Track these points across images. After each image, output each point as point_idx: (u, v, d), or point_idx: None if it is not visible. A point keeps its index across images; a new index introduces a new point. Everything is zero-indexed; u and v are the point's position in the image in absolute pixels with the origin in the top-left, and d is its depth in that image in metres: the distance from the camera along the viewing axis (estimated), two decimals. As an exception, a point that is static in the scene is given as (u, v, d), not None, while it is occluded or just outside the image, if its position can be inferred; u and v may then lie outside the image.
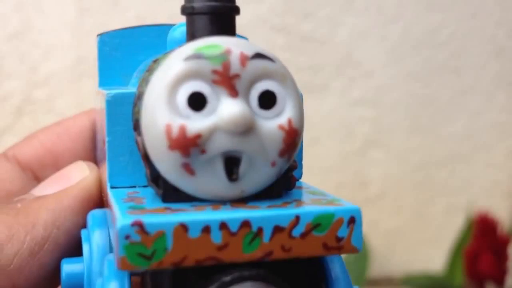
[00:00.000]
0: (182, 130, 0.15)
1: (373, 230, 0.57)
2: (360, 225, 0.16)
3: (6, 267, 0.19)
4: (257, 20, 0.54)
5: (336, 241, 0.15)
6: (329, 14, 0.56)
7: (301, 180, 0.20)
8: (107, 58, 0.22)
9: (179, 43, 0.18)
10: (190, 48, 0.15)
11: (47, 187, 0.22)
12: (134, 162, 0.18)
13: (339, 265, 0.17)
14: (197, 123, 0.15)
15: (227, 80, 0.15)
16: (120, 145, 0.18)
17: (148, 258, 0.14)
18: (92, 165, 0.23)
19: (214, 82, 0.15)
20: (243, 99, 0.15)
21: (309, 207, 0.15)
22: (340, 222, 0.15)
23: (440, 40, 0.59)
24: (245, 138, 0.15)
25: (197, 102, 0.15)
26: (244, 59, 0.15)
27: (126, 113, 0.18)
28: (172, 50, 0.17)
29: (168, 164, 0.15)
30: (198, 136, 0.15)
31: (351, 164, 0.57)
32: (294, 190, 0.18)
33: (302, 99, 0.19)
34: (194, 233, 0.14)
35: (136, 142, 0.17)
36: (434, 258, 0.57)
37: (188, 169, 0.15)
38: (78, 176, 0.22)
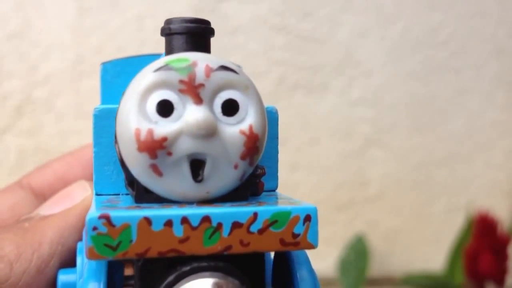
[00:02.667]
0: (150, 133, 0.16)
1: (373, 230, 0.57)
2: (316, 223, 0.17)
3: (15, 284, 0.21)
4: (257, 20, 0.54)
5: (293, 237, 0.17)
6: (329, 14, 0.56)
7: (277, 191, 0.21)
8: (109, 84, 0.24)
9: None
10: (161, 61, 0.17)
11: (52, 206, 0.24)
12: (118, 171, 0.19)
13: (306, 267, 0.18)
14: (164, 127, 0.16)
15: (192, 89, 0.17)
16: (105, 155, 0.19)
17: (114, 248, 0.16)
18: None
19: (181, 91, 0.17)
20: (206, 106, 0.17)
21: (268, 206, 0.17)
22: (296, 219, 0.17)
23: (440, 39, 0.59)
24: (209, 142, 0.16)
25: (165, 109, 0.16)
26: (208, 71, 0.17)
27: (111, 126, 0.19)
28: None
29: (138, 166, 0.17)
30: (164, 139, 0.16)
31: (351, 164, 0.57)
32: (262, 196, 0.19)
33: (277, 114, 0.21)
34: (157, 226, 0.16)
35: (116, 150, 0.18)
36: (434, 257, 0.57)
37: (156, 170, 0.16)
38: (81, 195, 0.24)
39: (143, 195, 0.17)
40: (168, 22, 0.19)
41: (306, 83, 0.55)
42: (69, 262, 0.22)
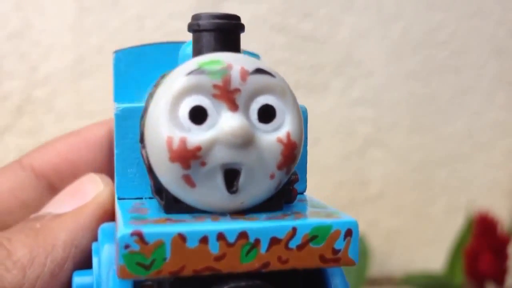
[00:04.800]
0: (183, 142, 0.15)
1: (373, 230, 0.57)
2: (357, 237, 0.16)
3: None
4: (257, 20, 0.54)
5: (333, 253, 0.16)
6: (329, 14, 0.56)
7: (305, 193, 0.20)
8: (122, 74, 0.23)
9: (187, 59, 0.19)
10: (193, 64, 0.16)
11: (64, 204, 0.22)
12: (141, 174, 0.18)
13: (340, 277, 0.17)
14: (197, 136, 0.15)
15: (227, 94, 0.15)
16: (128, 157, 0.18)
17: (147, 267, 0.14)
18: (106, 178, 0.23)
19: (215, 96, 0.15)
20: (242, 113, 0.15)
21: (306, 219, 0.16)
22: (337, 234, 0.16)
23: (440, 39, 0.59)
24: (245, 151, 0.15)
25: (198, 115, 0.15)
26: (244, 74, 0.15)
27: (134, 126, 0.18)
28: (177, 66, 0.17)
29: (169, 176, 0.15)
30: (198, 149, 0.15)
31: (351, 164, 0.57)
32: (295, 203, 0.18)
33: (306, 113, 0.19)
34: (192, 243, 0.15)
35: (141, 154, 0.17)
36: (434, 257, 0.57)
37: (189, 181, 0.15)
38: (93, 191, 0.22)
39: (173, 205, 0.16)
40: (196, 17, 0.17)
41: (306, 83, 0.55)
42: (83, 264, 0.21)
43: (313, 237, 0.15)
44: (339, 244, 0.16)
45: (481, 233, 0.49)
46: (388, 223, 0.59)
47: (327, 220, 0.16)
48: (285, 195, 0.17)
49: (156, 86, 0.17)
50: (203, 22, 0.17)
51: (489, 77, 0.61)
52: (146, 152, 0.16)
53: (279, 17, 0.54)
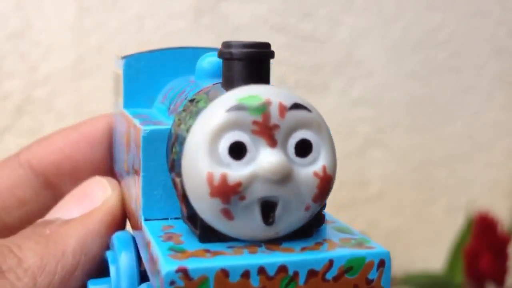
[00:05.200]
0: (224, 178, 0.15)
1: (373, 230, 0.57)
2: (389, 268, 0.16)
3: None
4: (257, 20, 0.54)
5: (367, 284, 0.16)
6: (329, 14, 0.56)
7: (325, 211, 0.21)
8: (132, 80, 0.23)
9: (207, 73, 0.20)
10: (232, 99, 0.16)
11: (72, 209, 0.22)
12: (166, 196, 0.18)
13: None
14: (237, 171, 0.15)
15: (267, 130, 0.16)
16: (154, 179, 0.18)
17: None
18: (113, 182, 0.23)
19: (254, 132, 0.16)
20: (281, 148, 0.16)
21: (341, 250, 0.16)
22: (370, 265, 0.16)
23: (440, 39, 0.59)
24: (282, 185, 0.16)
25: (237, 151, 0.15)
26: (283, 110, 0.16)
27: (160, 148, 0.18)
28: (212, 95, 0.18)
29: (207, 209, 0.16)
30: (238, 184, 0.15)
31: (351, 164, 0.57)
32: (323, 228, 0.18)
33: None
34: (234, 278, 0.15)
35: (173, 180, 0.17)
36: (434, 257, 0.57)
37: (227, 214, 0.16)
38: (101, 195, 0.22)
39: (208, 234, 0.16)
40: (228, 45, 0.18)
41: (306, 83, 0.55)
42: (93, 272, 0.21)
43: (348, 269, 0.16)
44: (373, 275, 0.16)
45: (481, 233, 0.49)
46: (388, 223, 0.59)
47: (362, 251, 0.16)
48: (316, 222, 0.18)
49: (187, 112, 0.17)
50: (235, 51, 0.17)
51: (489, 77, 0.61)
52: (181, 181, 0.16)
53: (279, 17, 0.54)
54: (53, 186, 0.25)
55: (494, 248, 0.48)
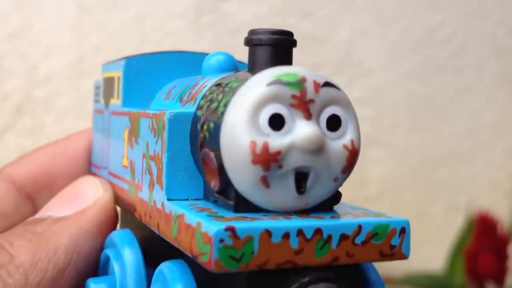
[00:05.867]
0: (265, 146, 0.16)
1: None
2: (409, 235, 0.18)
3: None
4: (257, 20, 0.54)
5: (390, 249, 0.17)
6: (329, 14, 0.56)
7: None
8: (132, 80, 0.24)
9: (214, 70, 0.22)
10: (270, 75, 0.17)
11: (63, 207, 0.22)
12: (188, 177, 0.19)
13: (373, 271, 0.19)
14: (277, 141, 0.17)
15: (304, 104, 0.17)
16: (177, 160, 0.19)
17: (238, 260, 0.16)
18: (105, 182, 0.23)
19: (292, 105, 0.17)
20: (315, 121, 0.17)
21: (367, 218, 0.18)
22: (393, 231, 0.17)
23: (440, 39, 0.59)
24: (315, 156, 0.17)
25: (276, 122, 0.17)
26: (317, 86, 0.17)
27: (184, 131, 0.19)
28: (241, 76, 0.19)
29: (247, 177, 0.17)
30: (278, 153, 0.17)
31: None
32: (338, 205, 0.20)
33: None
34: (276, 238, 0.16)
35: (204, 156, 0.18)
36: (434, 257, 0.57)
37: (265, 182, 0.17)
38: (93, 194, 0.23)
39: (242, 204, 0.17)
40: (256, 33, 0.19)
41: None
42: (85, 271, 0.21)
43: (374, 234, 0.17)
44: (395, 241, 0.17)
45: (481, 233, 0.49)
46: (388, 223, 0.59)
47: (386, 219, 0.17)
48: (334, 199, 0.19)
49: (219, 93, 0.19)
50: (264, 37, 0.19)
51: (489, 77, 0.61)
52: (217, 154, 0.17)
53: (279, 17, 0.54)
54: (32, 199, 0.26)
55: (494, 248, 0.48)
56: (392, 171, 0.59)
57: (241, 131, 0.17)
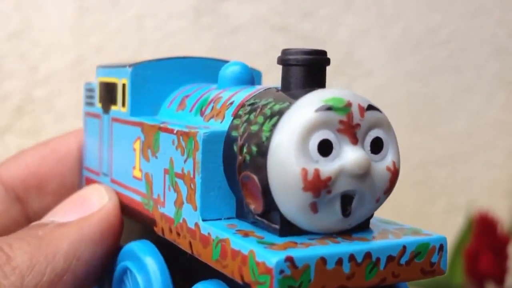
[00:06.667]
0: (317, 173, 0.17)
1: (373, 230, 0.57)
2: (446, 251, 0.18)
3: None
4: (257, 20, 0.54)
5: (430, 266, 0.18)
6: (329, 14, 0.56)
7: None
8: (139, 88, 0.24)
9: (230, 81, 0.22)
10: (318, 100, 0.17)
11: (67, 213, 0.22)
12: (221, 197, 0.19)
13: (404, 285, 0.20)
14: (327, 167, 0.17)
15: (350, 129, 0.17)
16: (211, 181, 0.19)
17: None
18: (110, 190, 0.23)
19: (339, 130, 0.17)
20: (361, 146, 0.18)
21: (409, 238, 0.18)
22: (433, 249, 0.18)
23: (440, 39, 0.59)
24: (362, 179, 0.17)
25: (325, 148, 0.17)
26: (362, 111, 0.18)
27: (218, 151, 0.19)
28: (279, 98, 0.19)
29: (295, 203, 0.17)
30: (329, 179, 0.17)
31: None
32: (372, 222, 0.20)
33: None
34: (331, 265, 0.16)
35: (241, 179, 0.18)
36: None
37: (314, 208, 0.17)
38: (98, 202, 0.22)
39: (287, 228, 0.18)
40: (289, 53, 0.19)
41: (306, 83, 0.55)
42: (83, 278, 0.21)
43: (417, 254, 0.18)
44: (435, 258, 0.18)
45: (481, 233, 0.49)
46: (388, 223, 0.59)
47: (426, 238, 0.18)
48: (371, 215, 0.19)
49: (250, 114, 0.19)
50: (300, 58, 0.19)
51: (489, 77, 0.61)
52: (261, 178, 0.17)
53: (279, 17, 0.54)
54: (21, 200, 0.26)
55: (494, 248, 0.48)
56: (392, 171, 0.59)
57: (291, 157, 0.17)
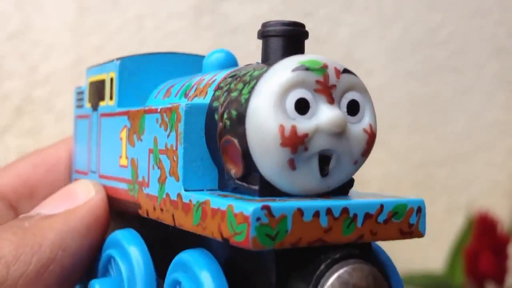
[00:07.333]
0: (294, 129, 0.17)
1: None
2: (425, 214, 0.19)
3: None
4: (257, 20, 0.54)
5: (408, 227, 0.18)
6: (329, 14, 0.56)
7: None
8: (127, 81, 0.24)
9: (215, 67, 0.22)
10: (295, 62, 0.18)
11: (54, 206, 0.23)
12: (204, 168, 0.20)
13: (382, 252, 0.20)
14: (303, 124, 0.17)
15: (327, 89, 0.18)
16: (193, 151, 0.19)
17: (273, 238, 0.16)
18: (98, 185, 0.24)
19: (316, 90, 0.18)
20: (337, 106, 0.18)
21: (388, 198, 0.18)
22: (411, 211, 0.18)
23: (440, 39, 0.59)
24: (338, 139, 0.18)
25: (302, 107, 0.17)
26: (338, 73, 0.18)
27: (199, 122, 0.19)
28: (258, 67, 0.19)
29: (274, 160, 0.17)
30: (305, 135, 0.17)
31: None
32: (351, 192, 0.20)
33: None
34: (308, 217, 0.17)
35: (222, 144, 0.18)
36: (434, 257, 0.57)
37: (292, 164, 0.17)
38: (84, 196, 0.23)
39: (267, 189, 0.18)
40: (270, 25, 0.20)
41: (306, 83, 0.55)
42: (71, 269, 0.21)
43: (394, 213, 0.18)
44: (413, 219, 0.19)
45: (481, 233, 0.49)
46: (388, 223, 0.59)
47: (404, 199, 0.18)
48: (349, 184, 0.19)
49: (230, 84, 0.19)
50: (279, 29, 0.20)
51: (489, 77, 0.61)
52: (240, 140, 0.18)
53: (279, 17, 0.54)
54: (14, 208, 0.26)
55: (494, 248, 0.48)
56: (392, 171, 0.59)
57: (269, 115, 0.17)
